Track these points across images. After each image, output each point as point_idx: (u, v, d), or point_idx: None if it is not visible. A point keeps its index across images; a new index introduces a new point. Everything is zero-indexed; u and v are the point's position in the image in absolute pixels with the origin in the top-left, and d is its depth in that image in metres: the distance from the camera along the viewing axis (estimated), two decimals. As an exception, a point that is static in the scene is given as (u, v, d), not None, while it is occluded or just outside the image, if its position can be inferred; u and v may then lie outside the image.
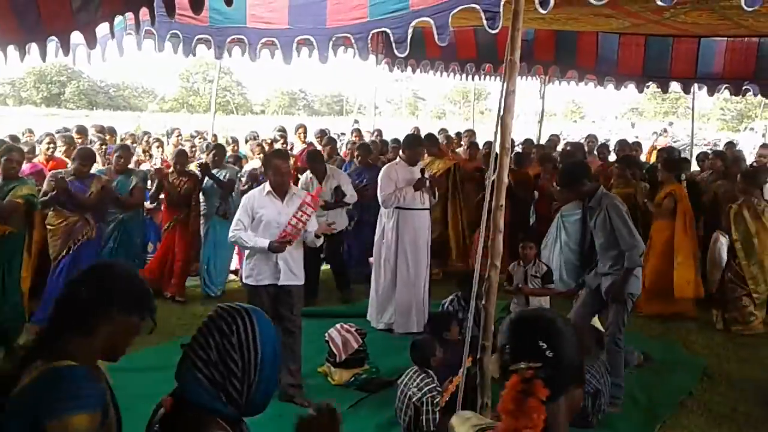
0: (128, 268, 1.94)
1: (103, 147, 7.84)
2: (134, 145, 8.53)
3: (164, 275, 6.93)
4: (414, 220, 6.10)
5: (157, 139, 9.08)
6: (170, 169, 7.08)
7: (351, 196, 6.93)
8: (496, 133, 3.25)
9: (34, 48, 4.46)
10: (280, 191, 4.55)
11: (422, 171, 6.10)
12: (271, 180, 4.58)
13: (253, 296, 4.50)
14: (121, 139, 8.69)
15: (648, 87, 9.44)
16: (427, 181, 6.08)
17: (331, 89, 70.01)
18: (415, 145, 6.38)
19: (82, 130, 8.33)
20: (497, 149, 3.34)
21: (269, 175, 4.63)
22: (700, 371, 5.39)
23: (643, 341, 5.93)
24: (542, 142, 10.93)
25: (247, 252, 4.71)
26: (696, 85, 8.96)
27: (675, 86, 9.33)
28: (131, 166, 6.89)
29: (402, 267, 6.10)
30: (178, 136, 9.89)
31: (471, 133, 10.58)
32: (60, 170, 6.03)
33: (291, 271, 4.53)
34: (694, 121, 13.57)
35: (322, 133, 9.75)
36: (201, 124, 16.08)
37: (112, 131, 9.27)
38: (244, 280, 4.74)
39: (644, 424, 4.47)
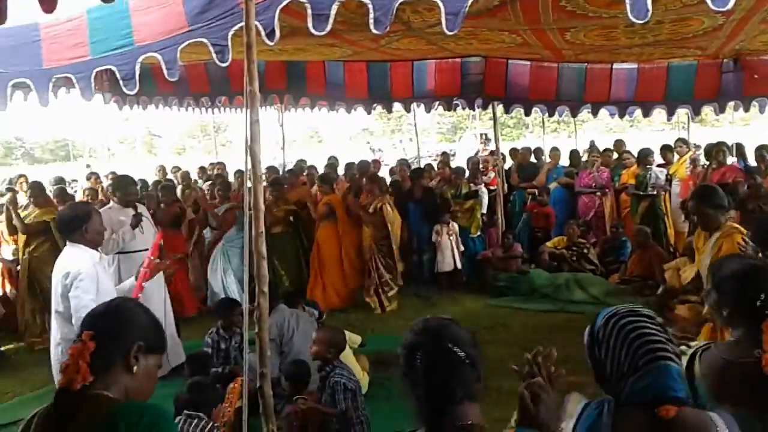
0: None
1: None
2: None
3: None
4: (132, 262, 5.44)
5: None
6: None
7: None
8: (246, 162, 3.32)
9: None
10: None
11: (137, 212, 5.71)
12: None
13: None
14: None
15: (375, 108, 10.18)
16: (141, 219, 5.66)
17: (54, 134, 63.94)
18: (126, 186, 5.97)
19: None
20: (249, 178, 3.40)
21: None
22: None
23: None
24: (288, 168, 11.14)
25: None
26: (414, 103, 9.90)
27: (397, 106, 10.20)
28: None
29: None
30: None
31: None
32: None
33: None
34: (418, 135, 15.14)
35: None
36: None
37: None
38: None
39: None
